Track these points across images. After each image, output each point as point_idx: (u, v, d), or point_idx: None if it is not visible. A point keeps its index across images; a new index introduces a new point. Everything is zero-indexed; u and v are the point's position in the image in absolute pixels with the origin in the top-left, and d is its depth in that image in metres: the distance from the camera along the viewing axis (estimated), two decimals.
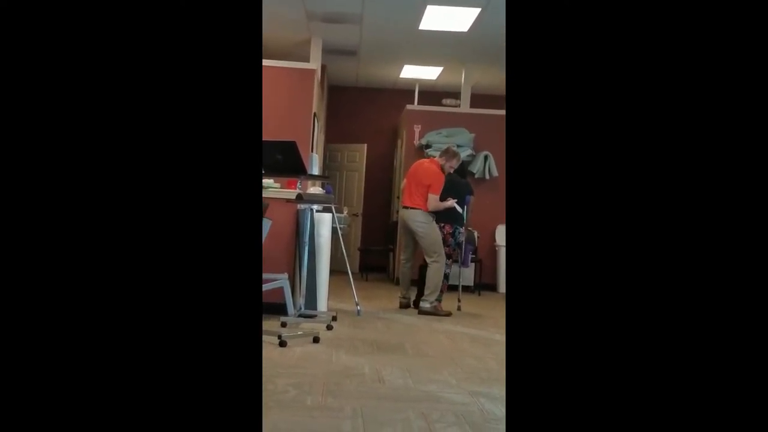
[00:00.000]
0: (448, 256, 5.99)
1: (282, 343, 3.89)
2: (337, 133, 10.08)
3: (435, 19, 6.77)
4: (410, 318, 5.55)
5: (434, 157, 6.29)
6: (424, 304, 5.79)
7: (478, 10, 6.40)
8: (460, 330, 5.05)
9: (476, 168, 8.20)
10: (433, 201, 5.77)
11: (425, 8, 6.45)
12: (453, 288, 6.50)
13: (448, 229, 6.00)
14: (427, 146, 8.15)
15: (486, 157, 8.25)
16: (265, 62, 6.15)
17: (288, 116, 6.14)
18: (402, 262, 6.20)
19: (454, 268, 6.34)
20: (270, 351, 3.75)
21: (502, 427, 2.57)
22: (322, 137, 8.91)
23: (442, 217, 5.95)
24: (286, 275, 4.63)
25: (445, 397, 2.98)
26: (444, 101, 9.32)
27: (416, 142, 8.36)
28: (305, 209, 4.88)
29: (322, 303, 5.36)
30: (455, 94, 9.37)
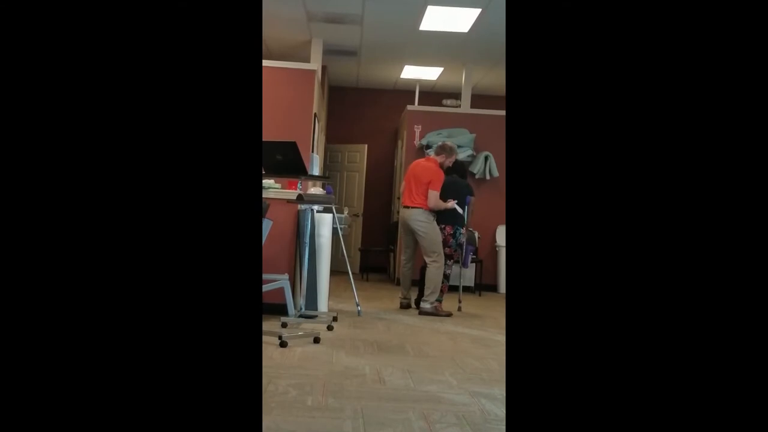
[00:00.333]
0: (449, 257, 5.98)
1: (282, 344, 3.90)
2: (337, 133, 10.08)
3: (435, 20, 6.77)
4: (411, 318, 5.54)
5: (431, 156, 6.27)
6: (425, 305, 5.79)
7: (478, 11, 6.40)
8: (461, 330, 5.05)
9: (477, 168, 8.20)
10: (434, 197, 5.73)
11: (426, 9, 6.45)
12: (454, 288, 6.51)
13: (449, 230, 5.99)
14: (428, 146, 8.14)
15: (486, 158, 8.25)
16: (266, 63, 6.16)
17: (288, 117, 6.14)
18: (402, 262, 6.19)
19: (455, 268, 6.34)
20: (270, 351, 3.75)
21: (503, 427, 2.57)
22: (322, 138, 8.91)
23: (443, 218, 5.94)
24: (286, 276, 4.63)
25: (445, 397, 2.98)
26: (444, 102, 9.32)
27: (417, 142, 8.36)
28: (306, 210, 4.87)
29: (323, 303, 5.36)
30: (456, 95, 9.37)
